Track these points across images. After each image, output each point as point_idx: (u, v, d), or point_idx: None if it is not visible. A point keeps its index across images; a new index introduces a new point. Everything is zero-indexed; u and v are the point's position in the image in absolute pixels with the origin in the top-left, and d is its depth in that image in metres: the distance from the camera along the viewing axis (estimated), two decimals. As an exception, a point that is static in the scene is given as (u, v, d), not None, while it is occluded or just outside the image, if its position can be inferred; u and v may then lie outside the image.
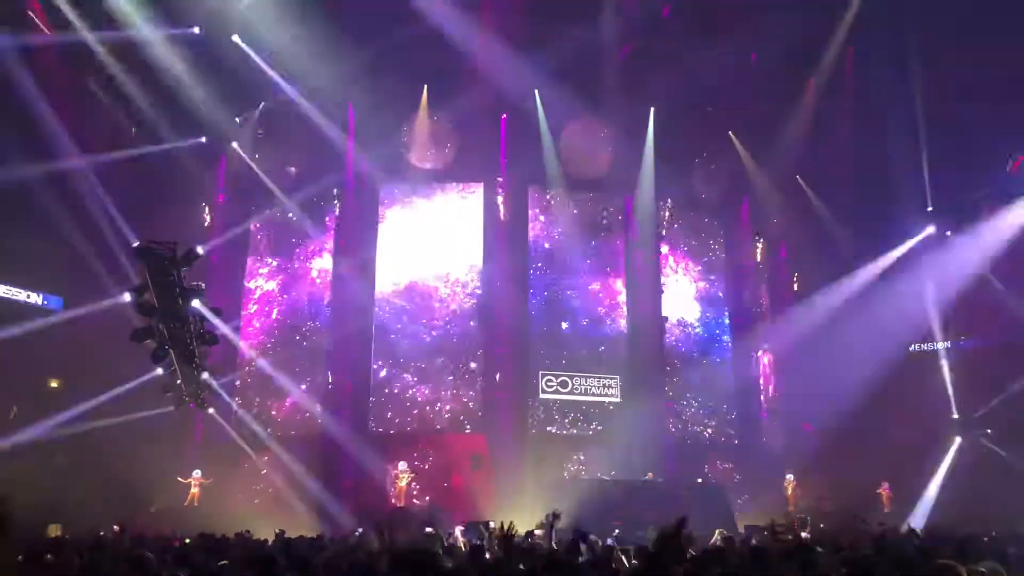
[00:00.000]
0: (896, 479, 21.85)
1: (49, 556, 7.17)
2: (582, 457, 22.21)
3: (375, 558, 6.19)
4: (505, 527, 6.15)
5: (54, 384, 21.01)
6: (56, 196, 20.13)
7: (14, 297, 20.55)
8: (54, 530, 15.22)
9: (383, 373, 22.12)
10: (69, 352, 20.53)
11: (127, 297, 11.05)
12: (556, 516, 15.63)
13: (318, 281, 23.18)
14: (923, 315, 23.29)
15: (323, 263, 23.26)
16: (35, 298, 20.96)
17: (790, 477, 22.71)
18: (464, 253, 22.96)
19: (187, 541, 11.96)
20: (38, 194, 19.67)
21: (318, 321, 22.84)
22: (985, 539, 9.70)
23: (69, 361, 20.79)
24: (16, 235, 20.19)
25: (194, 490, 20.19)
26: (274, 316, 23.35)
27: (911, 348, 24.79)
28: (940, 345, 24.21)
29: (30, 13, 19.27)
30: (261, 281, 23.75)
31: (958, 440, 22.71)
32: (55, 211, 20.19)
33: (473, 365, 22.31)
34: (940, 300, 22.96)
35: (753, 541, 10.55)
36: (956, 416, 22.88)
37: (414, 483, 20.86)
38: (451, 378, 22.17)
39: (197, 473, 20.31)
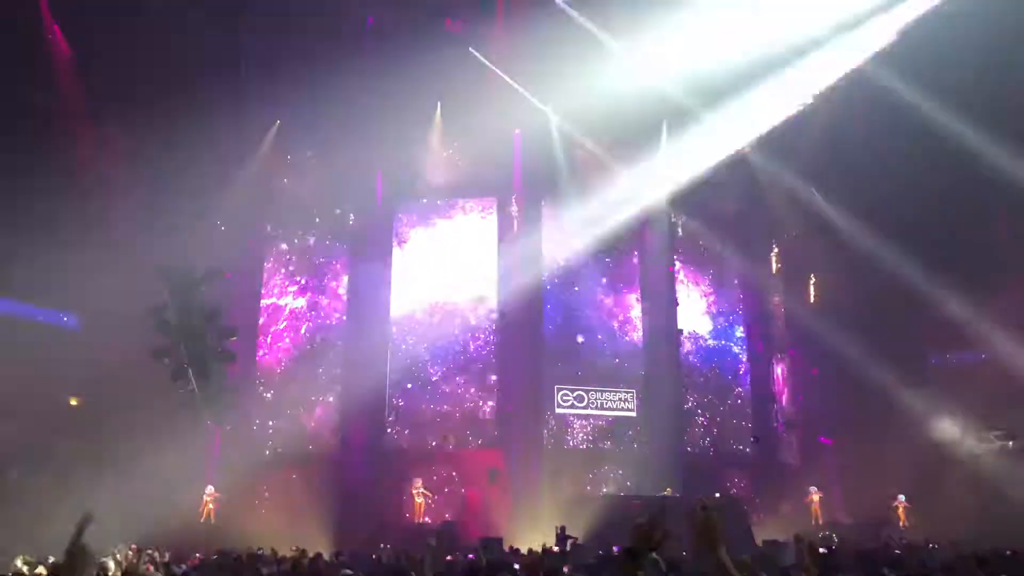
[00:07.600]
0: (913, 493, 21.52)
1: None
2: (598, 472, 22.07)
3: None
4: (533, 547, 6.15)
5: (74, 403, 21.15)
6: (74, 214, 20.35)
7: (32, 316, 20.73)
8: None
9: (399, 389, 22.11)
10: (88, 370, 20.65)
11: (147, 316, 11.13)
12: (563, 529, 15.69)
13: (343, 296, 23.19)
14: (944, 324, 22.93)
15: (340, 281, 23.31)
16: (53, 317, 21.14)
17: (814, 489, 22.44)
18: (479, 268, 22.97)
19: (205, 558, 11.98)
20: (56, 212, 19.88)
21: (336, 338, 22.88)
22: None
23: (88, 380, 20.91)
24: (34, 253, 20.39)
25: (209, 506, 20.24)
26: (291, 334, 23.40)
27: (932, 360, 24.56)
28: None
29: (49, 36, 19.63)
30: (277, 299, 23.83)
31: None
32: (73, 229, 20.38)
33: (489, 380, 22.27)
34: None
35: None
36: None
37: (430, 499, 20.81)
38: (467, 393, 22.13)
39: (210, 489, 20.35)
